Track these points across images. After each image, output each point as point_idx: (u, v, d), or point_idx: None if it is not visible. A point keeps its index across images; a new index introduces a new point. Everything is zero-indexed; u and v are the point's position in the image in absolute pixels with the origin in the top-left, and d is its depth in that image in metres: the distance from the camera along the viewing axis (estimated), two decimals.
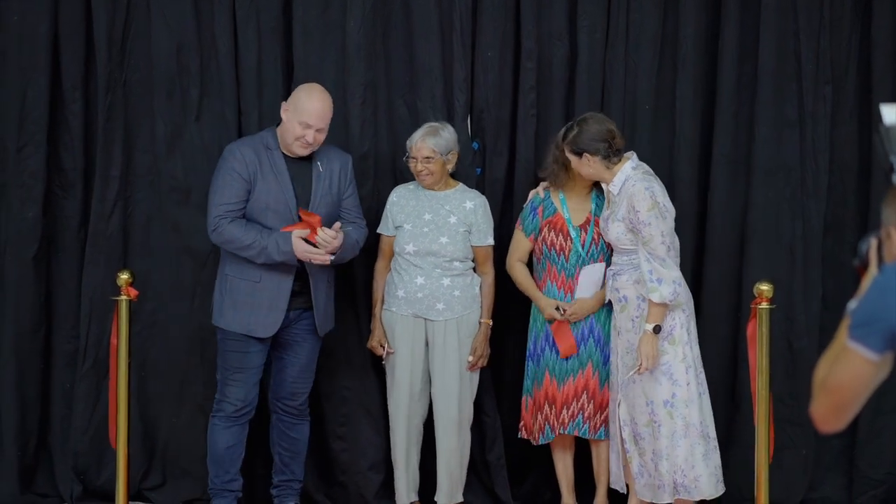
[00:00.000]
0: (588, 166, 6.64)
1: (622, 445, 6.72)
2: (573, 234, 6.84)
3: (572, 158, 6.66)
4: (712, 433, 6.68)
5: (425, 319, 6.93)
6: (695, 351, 6.66)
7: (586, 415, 6.85)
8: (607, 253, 6.87)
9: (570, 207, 6.89)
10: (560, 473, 7.05)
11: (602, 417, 6.89)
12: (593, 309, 6.84)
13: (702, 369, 6.69)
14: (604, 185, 6.74)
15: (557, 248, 6.86)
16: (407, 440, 7.00)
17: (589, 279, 6.84)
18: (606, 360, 6.87)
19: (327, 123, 6.72)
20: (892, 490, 7.32)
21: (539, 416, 6.91)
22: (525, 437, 7.02)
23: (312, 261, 6.61)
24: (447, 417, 6.96)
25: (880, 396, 7.22)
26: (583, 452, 7.11)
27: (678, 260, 6.64)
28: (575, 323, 6.85)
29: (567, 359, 6.84)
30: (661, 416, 6.57)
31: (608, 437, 6.89)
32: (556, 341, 6.86)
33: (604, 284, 6.82)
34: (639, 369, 6.53)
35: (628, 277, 6.65)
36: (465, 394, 6.99)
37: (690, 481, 6.58)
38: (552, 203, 6.91)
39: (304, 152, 6.71)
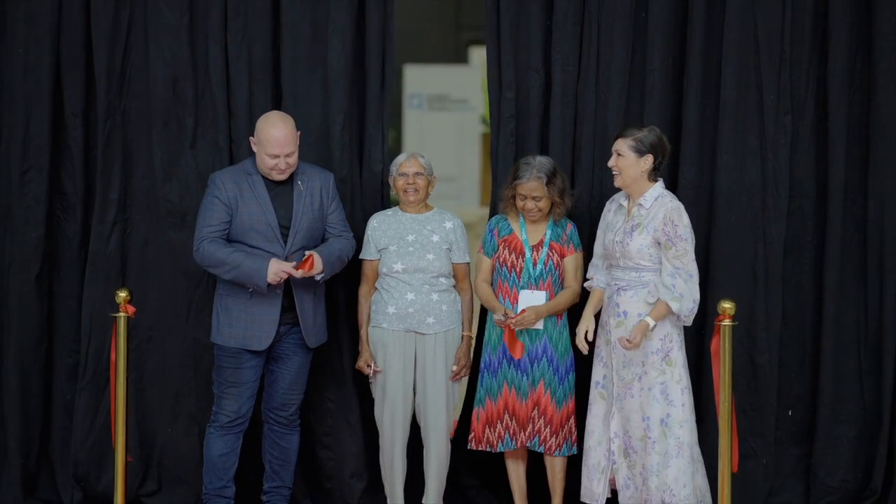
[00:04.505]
0: (640, 168, 6.77)
1: (609, 457, 6.89)
2: (527, 252, 7.16)
3: (629, 154, 6.78)
4: (699, 455, 6.87)
5: (416, 333, 7.21)
6: (687, 374, 6.84)
7: (538, 430, 7.12)
8: (555, 275, 7.16)
9: (528, 229, 7.21)
10: (513, 483, 7.33)
11: (563, 436, 7.13)
12: (540, 315, 7.07)
13: (691, 392, 6.88)
14: (623, 200, 6.88)
15: (509, 265, 7.18)
16: (402, 450, 7.27)
17: (530, 305, 7.11)
18: (562, 380, 7.13)
19: (295, 146, 6.99)
20: (847, 496, 7.59)
21: (499, 425, 7.18)
22: (474, 448, 7.27)
23: (288, 275, 6.85)
24: (437, 426, 7.24)
25: (837, 407, 7.57)
26: (536, 463, 7.35)
27: None
28: (530, 338, 7.12)
29: (525, 374, 7.12)
30: (657, 433, 6.75)
31: (570, 453, 7.14)
32: (507, 347, 7.12)
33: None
34: (626, 344, 6.66)
35: (634, 294, 6.80)
36: (449, 403, 7.28)
37: (680, 500, 6.75)
38: (508, 225, 7.24)
39: (283, 177, 7.02)
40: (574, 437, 7.20)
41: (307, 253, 6.93)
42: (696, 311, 6.77)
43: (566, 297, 7.18)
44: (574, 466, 7.25)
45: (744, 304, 7.29)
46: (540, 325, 7.12)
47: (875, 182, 7.55)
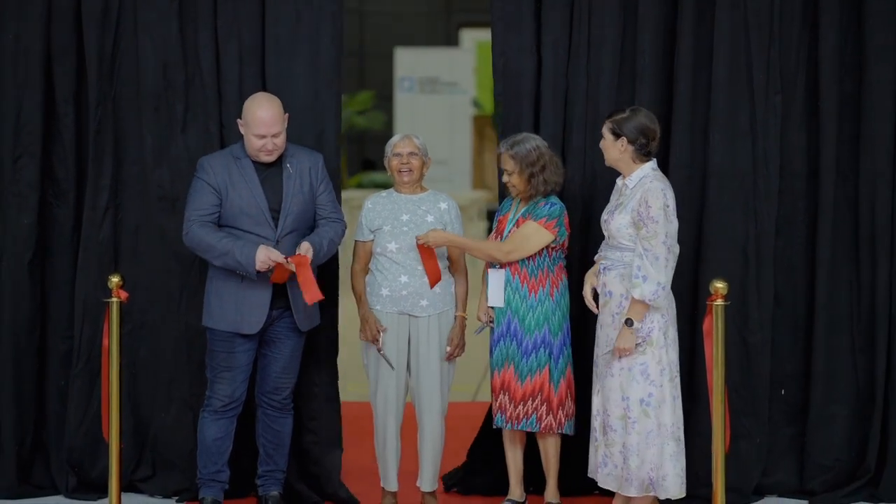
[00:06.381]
0: (618, 150, 6.84)
1: (592, 434, 6.94)
2: (507, 229, 7.19)
3: (608, 137, 6.86)
4: (682, 436, 6.86)
5: (409, 316, 7.23)
6: (671, 355, 6.83)
7: (503, 407, 7.15)
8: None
9: (519, 208, 7.23)
10: (510, 465, 7.36)
11: (526, 411, 7.11)
12: (439, 238, 7.13)
13: (677, 373, 6.87)
14: (619, 179, 6.94)
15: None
16: (396, 432, 7.30)
17: (496, 285, 7.18)
18: (530, 355, 7.15)
19: (282, 126, 7.03)
20: (841, 475, 7.63)
21: (494, 402, 7.23)
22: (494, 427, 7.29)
23: (274, 266, 6.85)
24: (431, 408, 7.27)
25: (830, 386, 7.63)
26: (535, 445, 7.37)
27: (674, 266, 6.78)
28: (497, 324, 7.18)
29: (490, 354, 7.19)
30: (636, 413, 6.77)
31: (532, 429, 7.14)
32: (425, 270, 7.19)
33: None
34: (621, 352, 6.72)
35: (617, 273, 6.83)
36: (444, 385, 7.31)
37: (658, 479, 6.79)
38: (509, 206, 7.30)
39: (271, 158, 7.06)
40: (545, 412, 7.18)
41: (301, 252, 6.93)
42: (660, 293, 6.69)
43: (485, 243, 7.28)
44: (567, 447, 7.28)
45: (736, 284, 7.32)
46: (501, 303, 7.16)
47: (866, 160, 7.59)
